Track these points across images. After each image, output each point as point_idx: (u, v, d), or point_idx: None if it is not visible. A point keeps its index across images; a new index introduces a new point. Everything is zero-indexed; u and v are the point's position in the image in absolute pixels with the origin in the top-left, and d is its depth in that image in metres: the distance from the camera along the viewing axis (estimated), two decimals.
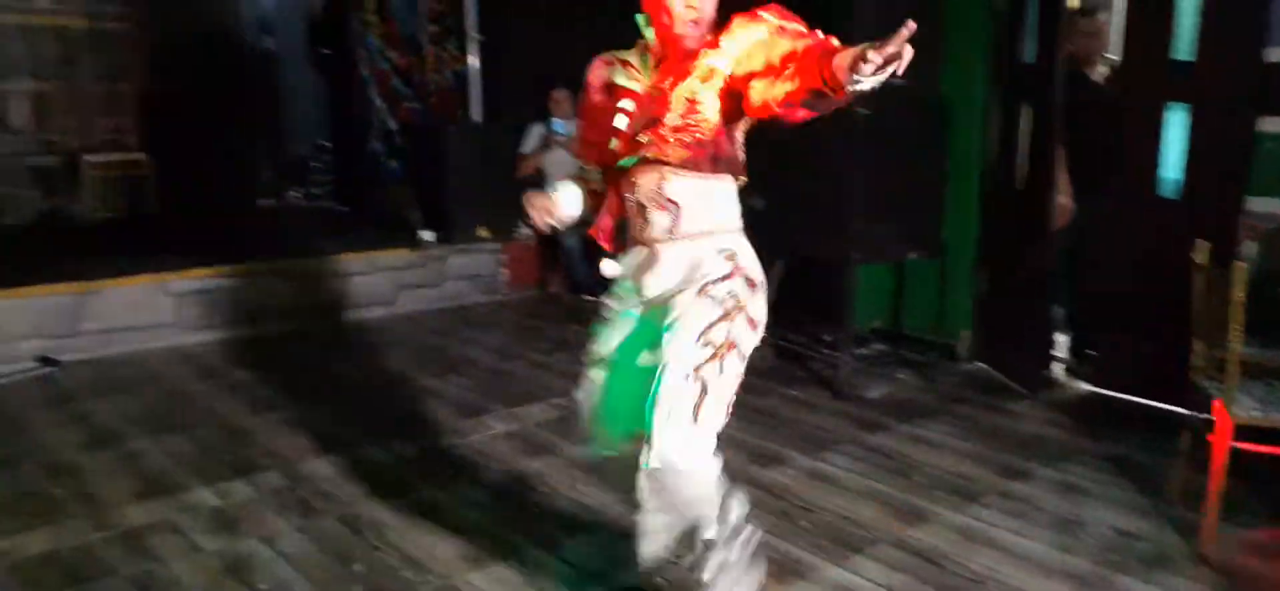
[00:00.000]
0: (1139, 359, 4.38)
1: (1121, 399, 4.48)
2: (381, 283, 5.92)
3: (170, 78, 7.20)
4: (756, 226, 5.24)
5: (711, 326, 2.27)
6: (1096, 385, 4.63)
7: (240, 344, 5.20)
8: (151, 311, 5.10)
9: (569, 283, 6.40)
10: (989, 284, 4.97)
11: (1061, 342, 4.89)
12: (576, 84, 3.30)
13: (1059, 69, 4.40)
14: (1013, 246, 4.74)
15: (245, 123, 7.57)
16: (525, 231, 6.61)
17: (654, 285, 2.38)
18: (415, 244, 6.17)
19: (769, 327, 5.08)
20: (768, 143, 4.88)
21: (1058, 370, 4.80)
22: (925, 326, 5.09)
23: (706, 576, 2.37)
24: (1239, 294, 2.88)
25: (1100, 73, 4.71)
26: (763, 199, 5.06)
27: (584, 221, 4.74)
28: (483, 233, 6.39)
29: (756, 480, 3.56)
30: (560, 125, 6.18)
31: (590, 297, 6.14)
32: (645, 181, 2.34)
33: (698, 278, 2.33)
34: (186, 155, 7.24)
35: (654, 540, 2.44)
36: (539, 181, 6.33)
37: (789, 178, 4.67)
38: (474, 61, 7.02)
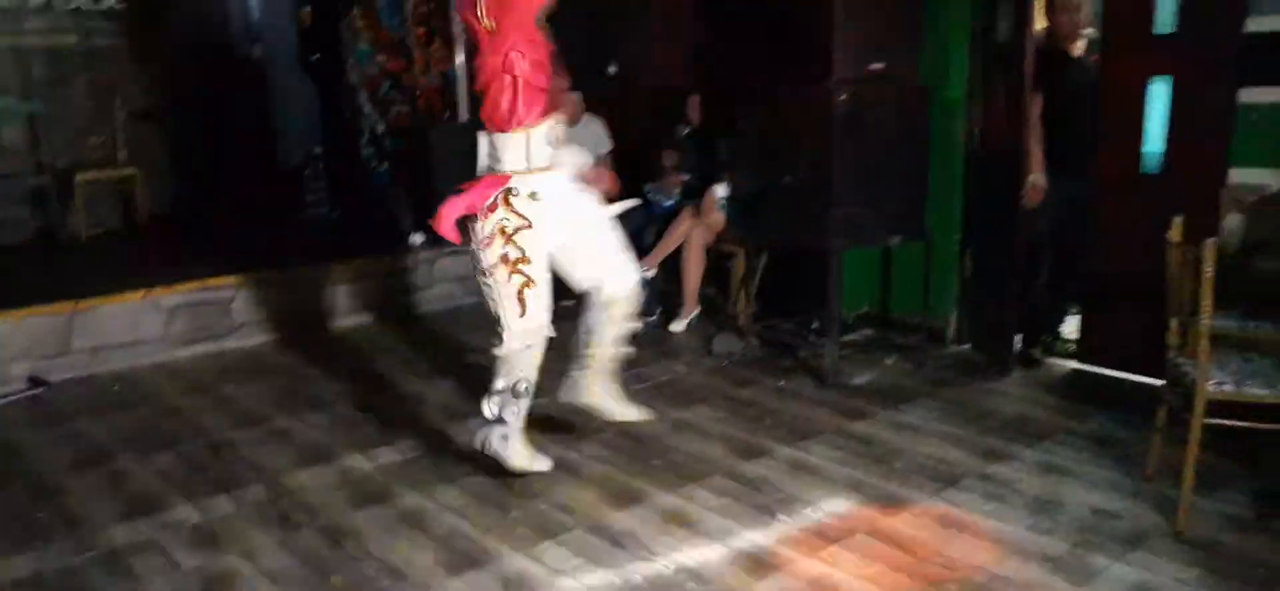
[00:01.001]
0: (1123, 335, 4.37)
1: (1106, 376, 4.47)
2: (371, 288, 5.93)
3: (159, 92, 7.25)
4: (740, 216, 5.25)
5: (486, 257, 3.23)
6: (1082, 362, 4.62)
7: (229, 357, 5.23)
8: (142, 327, 5.12)
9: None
10: (973, 265, 4.96)
11: (1046, 321, 4.88)
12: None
13: (1031, 47, 4.38)
14: (993, 227, 4.73)
15: (235, 133, 7.61)
16: None
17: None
18: (405, 248, 6.18)
19: (757, 317, 5.10)
20: (750, 133, 4.89)
21: (1042, 349, 4.79)
22: (913, 310, 5.07)
23: (488, 413, 3.42)
24: (1209, 270, 2.86)
25: (1080, 49, 4.67)
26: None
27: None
28: None
29: (737, 473, 3.57)
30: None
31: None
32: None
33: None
34: (177, 167, 7.30)
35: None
36: None
37: (770, 166, 4.67)
38: (460, 61, 7.02)
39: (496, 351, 3.32)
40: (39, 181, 6.64)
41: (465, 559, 3.02)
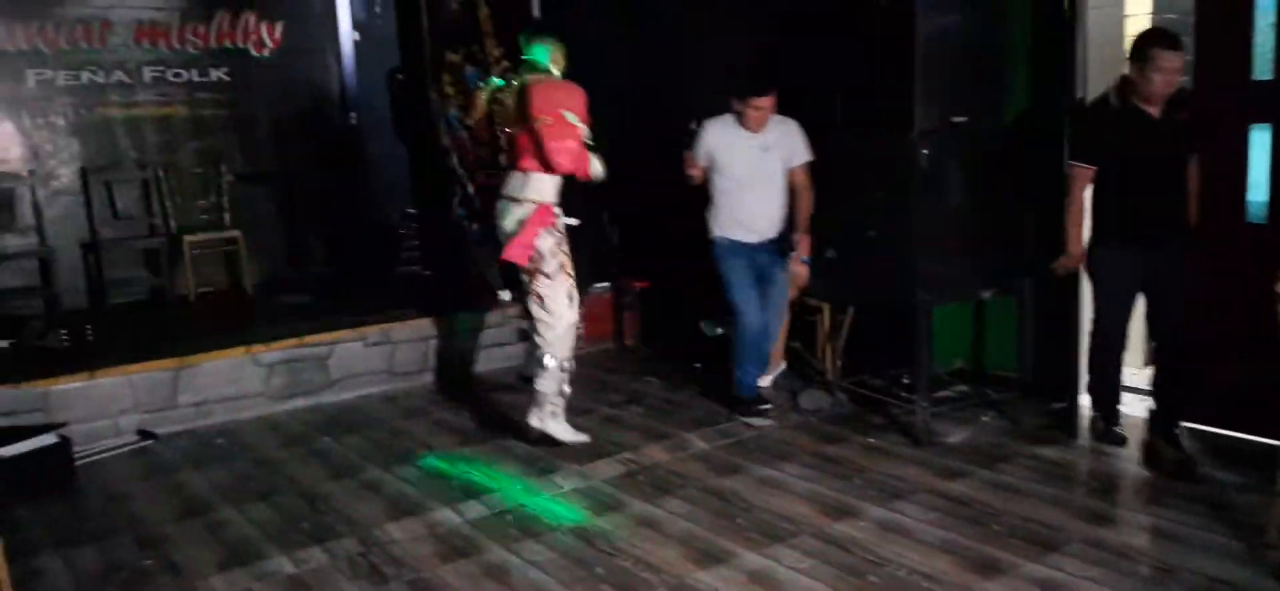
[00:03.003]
0: (1235, 393, 4.15)
1: (1219, 435, 4.25)
2: (462, 343, 6.04)
3: (263, 158, 7.58)
4: (824, 271, 5.17)
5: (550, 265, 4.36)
6: (1190, 421, 4.39)
7: (325, 410, 5.37)
8: (243, 382, 5.32)
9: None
10: (1059, 320, 4.78)
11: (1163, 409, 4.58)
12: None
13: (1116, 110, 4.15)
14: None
15: (334, 196, 7.90)
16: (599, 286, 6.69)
17: None
18: (495, 304, 6.28)
19: (845, 372, 4.98)
20: (836, 191, 4.85)
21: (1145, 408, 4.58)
22: (1009, 365, 4.92)
23: (538, 386, 4.45)
24: None
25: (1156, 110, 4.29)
26: (833, 250, 5.01)
27: None
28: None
29: (826, 533, 3.50)
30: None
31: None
32: None
33: None
34: (278, 230, 7.60)
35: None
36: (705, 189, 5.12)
37: (857, 223, 4.62)
38: None
39: (544, 342, 4.35)
40: (151, 244, 6.97)
41: None
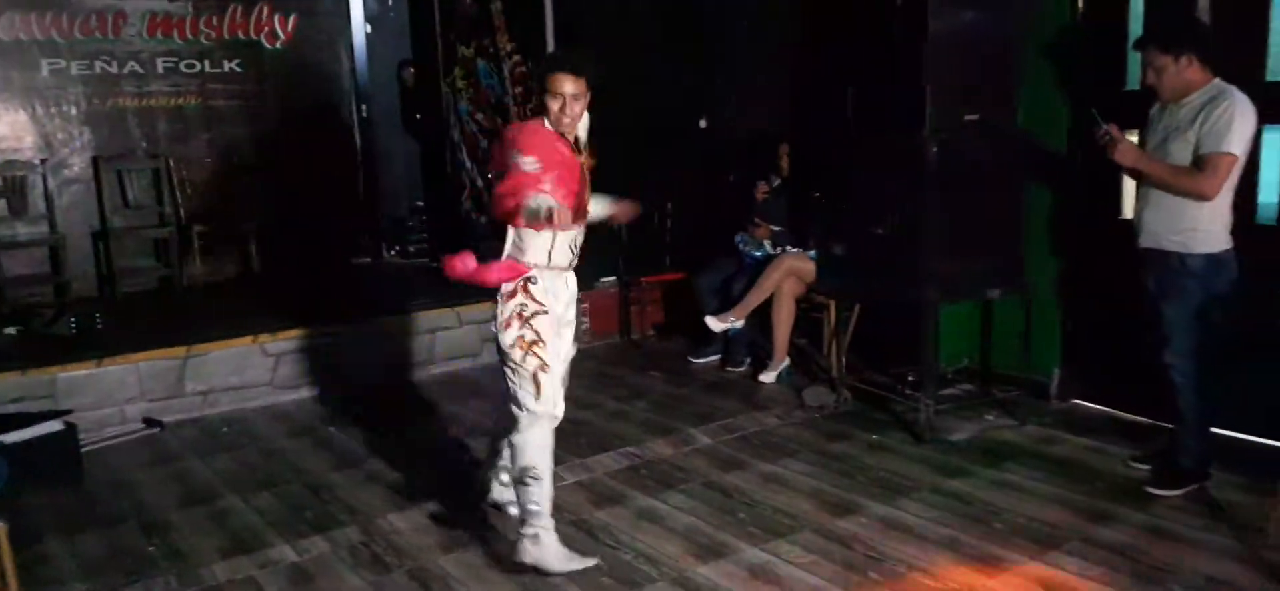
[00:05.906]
0: (1240, 394, 4.11)
1: (1228, 437, 4.21)
2: (467, 336, 6.04)
3: (273, 149, 7.61)
4: (831, 267, 5.18)
5: (505, 338, 3.24)
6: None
7: (331, 401, 5.39)
8: (250, 371, 5.34)
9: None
10: (1082, 319, 4.77)
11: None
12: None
13: None
14: (1108, 279, 4.51)
15: (343, 187, 7.93)
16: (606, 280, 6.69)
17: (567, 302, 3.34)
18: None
19: (850, 369, 4.97)
20: (845, 187, 4.84)
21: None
22: (1014, 365, 4.90)
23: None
24: None
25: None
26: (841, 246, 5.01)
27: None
28: None
29: (827, 529, 3.50)
30: None
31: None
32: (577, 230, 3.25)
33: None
34: (287, 220, 7.63)
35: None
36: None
37: (863, 218, 4.61)
38: None
39: (515, 437, 3.21)
40: (161, 233, 7.01)
41: None
